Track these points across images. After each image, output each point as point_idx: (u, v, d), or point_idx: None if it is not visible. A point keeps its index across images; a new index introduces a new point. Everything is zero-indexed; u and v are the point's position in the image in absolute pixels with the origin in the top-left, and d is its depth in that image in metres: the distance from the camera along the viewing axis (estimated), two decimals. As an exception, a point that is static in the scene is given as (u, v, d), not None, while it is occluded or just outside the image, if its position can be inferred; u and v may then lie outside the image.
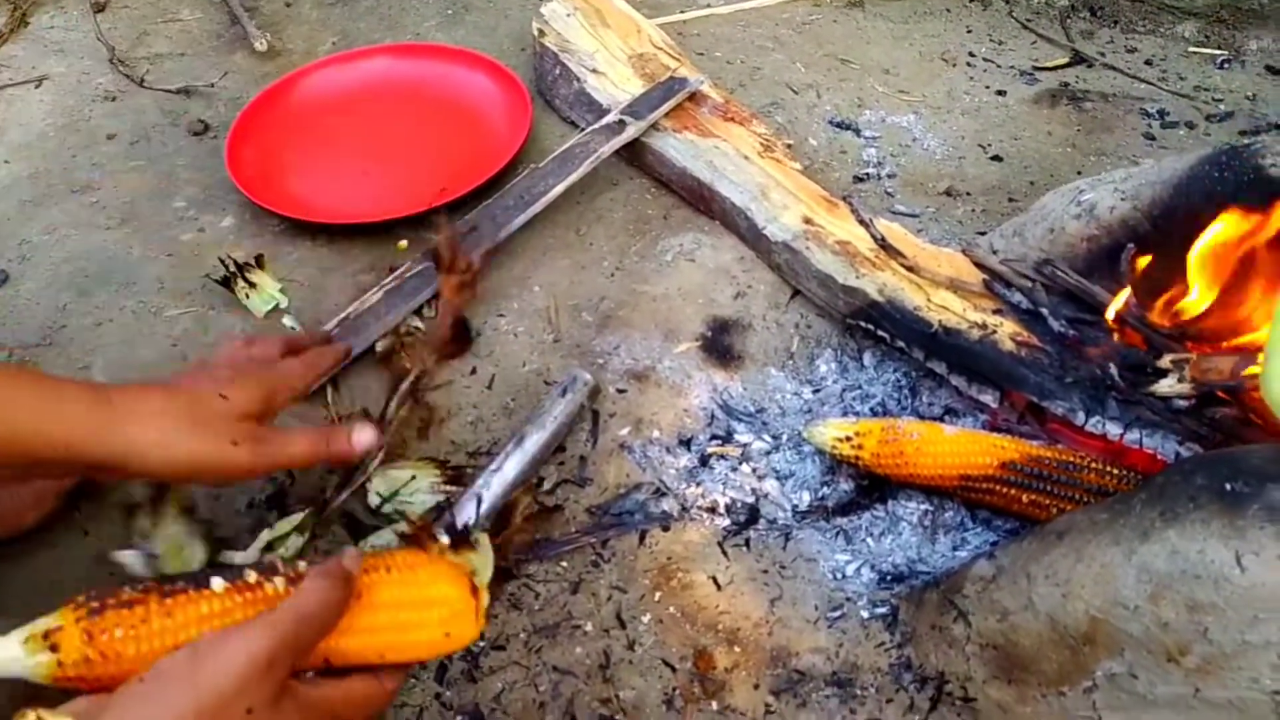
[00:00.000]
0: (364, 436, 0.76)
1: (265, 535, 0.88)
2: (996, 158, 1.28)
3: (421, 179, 1.22)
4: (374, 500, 0.92)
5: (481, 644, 0.84)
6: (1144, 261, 0.89)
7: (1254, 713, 0.65)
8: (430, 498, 0.93)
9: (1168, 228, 0.89)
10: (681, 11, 1.54)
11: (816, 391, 1.03)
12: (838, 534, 0.91)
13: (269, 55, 1.50)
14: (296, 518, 0.89)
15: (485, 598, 0.67)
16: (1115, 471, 0.85)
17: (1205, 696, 0.67)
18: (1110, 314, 0.92)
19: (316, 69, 1.38)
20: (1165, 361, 0.86)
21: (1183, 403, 0.85)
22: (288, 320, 1.10)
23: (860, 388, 1.03)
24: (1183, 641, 0.66)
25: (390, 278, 1.09)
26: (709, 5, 1.56)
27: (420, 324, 1.07)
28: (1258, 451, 0.67)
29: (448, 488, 0.94)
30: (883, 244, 1.01)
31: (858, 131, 1.32)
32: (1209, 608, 0.64)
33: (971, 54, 1.45)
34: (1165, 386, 0.86)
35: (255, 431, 0.70)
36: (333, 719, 0.58)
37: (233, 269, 1.10)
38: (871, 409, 1.01)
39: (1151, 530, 0.67)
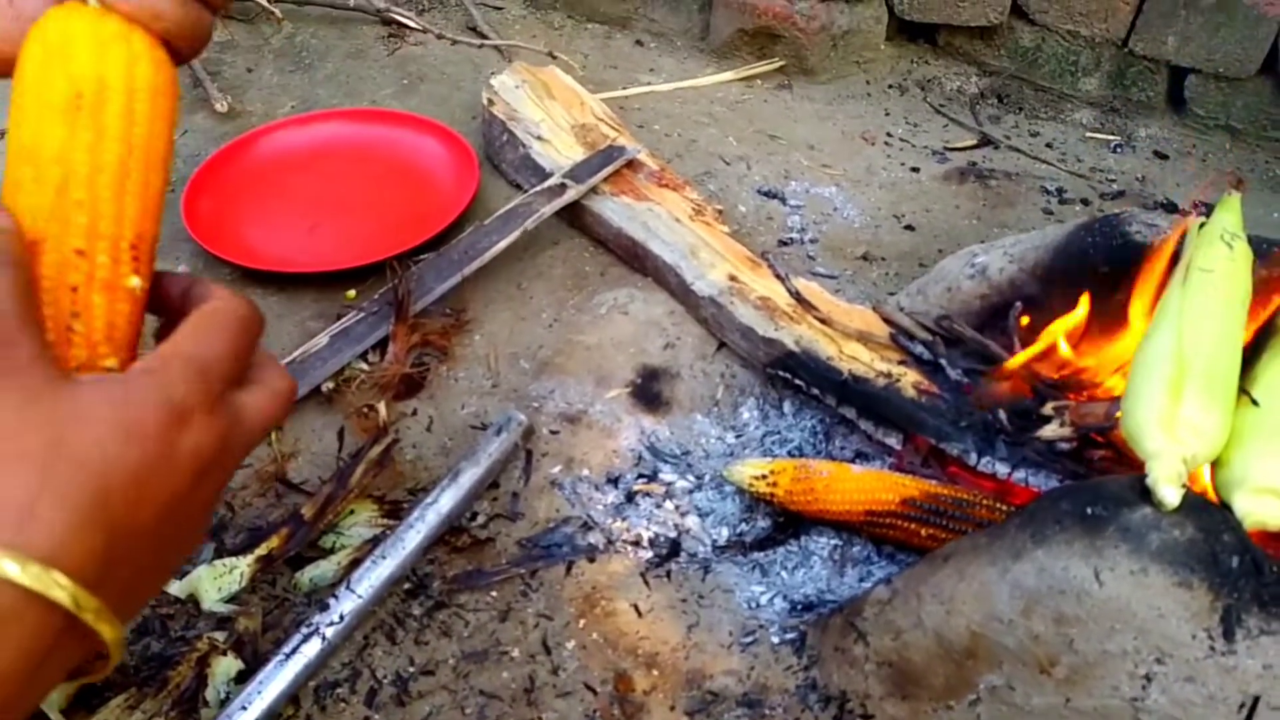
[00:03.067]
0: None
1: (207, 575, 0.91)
2: (909, 227, 1.38)
3: (371, 233, 1.29)
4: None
5: (411, 669, 0.88)
6: (1026, 320, 0.98)
7: (1116, 719, 0.72)
8: (368, 531, 0.97)
9: (1049, 287, 0.99)
10: (624, 88, 1.64)
11: (739, 436, 1.10)
12: (754, 567, 0.97)
13: (229, 116, 1.57)
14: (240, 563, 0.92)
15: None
16: (1003, 508, 0.92)
17: (1075, 706, 0.73)
18: (1010, 367, 1.01)
19: (274, 129, 1.45)
20: (1048, 408, 0.95)
21: (1064, 445, 0.94)
22: (236, 363, 1.14)
23: (780, 433, 1.10)
24: (1052, 653, 0.72)
25: (338, 324, 1.15)
26: (650, 83, 1.67)
27: (366, 367, 1.12)
28: (1116, 480, 0.75)
29: (385, 521, 0.98)
30: (798, 298, 1.09)
31: (784, 200, 1.42)
32: (1073, 620, 0.71)
33: (889, 134, 1.58)
34: (1049, 431, 0.94)
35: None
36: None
37: (184, 313, 1.14)
38: (789, 452, 1.08)
39: (1023, 551, 0.74)
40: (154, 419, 0.38)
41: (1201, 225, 0.91)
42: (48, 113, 0.44)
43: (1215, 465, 0.77)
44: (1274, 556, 0.74)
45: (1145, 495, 0.71)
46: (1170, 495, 0.70)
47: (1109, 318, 0.95)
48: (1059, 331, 0.92)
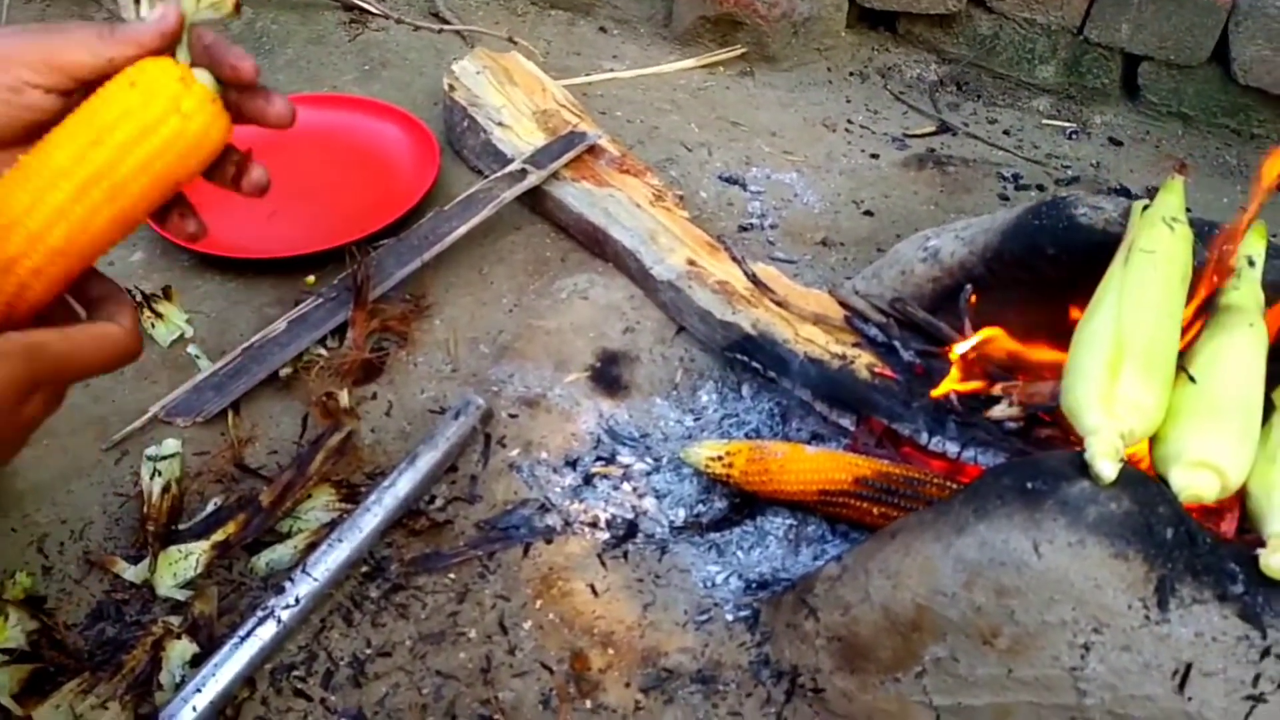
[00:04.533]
0: (157, 13, 0.59)
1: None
2: (868, 213, 1.40)
3: (331, 220, 1.28)
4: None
5: (368, 651, 0.88)
6: (975, 299, 1.00)
7: (1057, 689, 0.74)
8: (325, 515, 0.98)
9: (998, 269, 1.01)
10: (587, 75, 1.64)
11: (697, 419, 1.11)
12: (710, 547, 0.98)
13: (187, 102, 1.55)
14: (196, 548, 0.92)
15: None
16: (953, 486, 0.94)
17: (1017, 676, 0.75)
18: (959, 352, 1.03)
19: (233, 115, 1.44)
20: (997, 388, 0.97)
21: (1012, 424, 0.95)
22: (192, 349, 1.13)
23: (738, 416, 1.11)
24: (994, 624, 0.74)
25: (296, 310, 1.14)
26: (612, 70, 1.67)
27: (325, 352, 1.12)
28: (1056, 456, 0.77)
29: (342, 505, 0.98)
30: (755, 281, 1.11)
31: (744, 186, 1.43)
32: (1013, 591, 0.73)
33: (850, 121, 1.59)
34: (997, 411, 0.96)
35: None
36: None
37: (139, 300, 1.14)
38: (747, 434, 1.09)
39: (966, 525, 0.75)
40: None
41: (1145, 208, 0.93)
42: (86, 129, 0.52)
43: (1154, 441, 0.79)
44: (1208, 528, 0.77)
45: (1083, 470, 0.73)
46: (1107, 470, 0.71)
47: (1055, 298, 0.97)
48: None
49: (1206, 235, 0.97)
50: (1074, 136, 1.58)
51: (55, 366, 0.51)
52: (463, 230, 1.23)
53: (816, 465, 0.96)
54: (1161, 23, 1.49)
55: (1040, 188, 1.46)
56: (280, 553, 0.94)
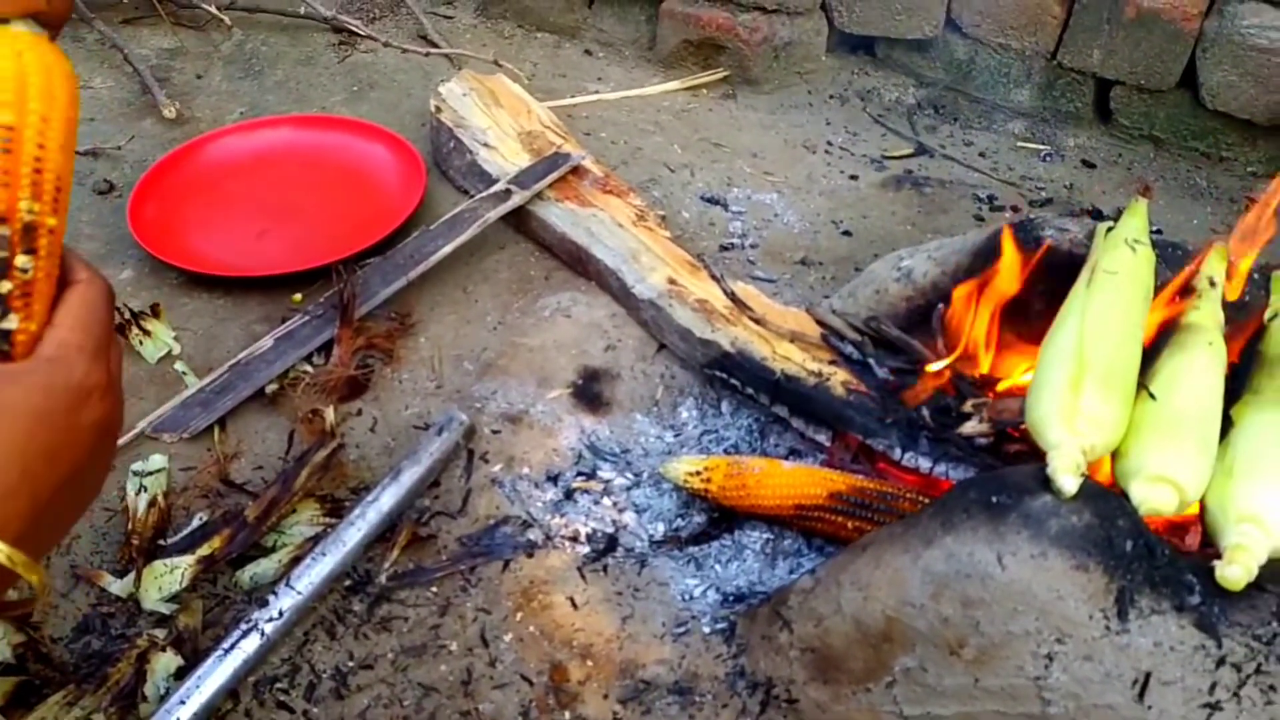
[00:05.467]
0: None
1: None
2: (847, 233, 1.43)
3: (317, 239, 1.31)
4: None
5: (351, 663, 0.90)
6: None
7: (1023, 698, 0.76)
8: (309, 529, 0.99)
9: (968, 289, 1.03)
10: (572, 97, 1.67)
11: (677, 435, 1.13)
12: (689, 561, 1.00)
13: (177, 122, 1.57)
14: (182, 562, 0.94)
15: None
16: (925, 500, 0.96)
17: (983, 685, 0.77)
18: (934, 369, 1.05)
19: (221, 135, 1.46)
20: (968, 405, 0.99)
21: (983, 440, 0.98)
22: (179, 366, 1.15)
23: (717, 432, 1.13)
24: (961, 635, 0.76)
25: (282, 327, 1.16)
26: (598, 92, 1.70)
27: (310, 369, 1.14)
28: (1020, 470, 0.80)
29: (326, 520, 1.00)
30: (733, 298, 1.13)
31: (726, 206, 1.46)
32: (979, 603, 0.75)
33: (830, 143, 1.62)
34: (968, 427, 0.98)
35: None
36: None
37: (128, 316, 1.15)
38: (726, 450, 1.11)
39: (934, 538, 0.78)
40: (62, 404, 0.46)
41: (1109, 230, 0.96)
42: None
43: (1115, 455, 0.81)
44: (1171, 542, 0.79)
45: (1046, 484, 0.75)
46: (1068, 484, 0.74)
47: (1025, 317, 1.00)
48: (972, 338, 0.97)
49: (1171, 256, 1.00)
50: (1048, 159, 1.62)
51: (75, 364, 0.49)
52: (448, 249, 1.25)
53: (792, 480, 0.98)
54: (1132, 49, 1.53)
55: (1015, 209, 1.49)
56: (264, 567, 0.95)
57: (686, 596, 0.96)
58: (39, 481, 0.45)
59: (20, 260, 0.49)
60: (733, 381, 1.10)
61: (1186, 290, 0.95)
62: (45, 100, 0.50)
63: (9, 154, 0.49)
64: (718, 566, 1.00)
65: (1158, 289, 0.94)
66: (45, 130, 0.50)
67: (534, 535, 1.00)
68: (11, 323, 0.49)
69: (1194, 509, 0.80)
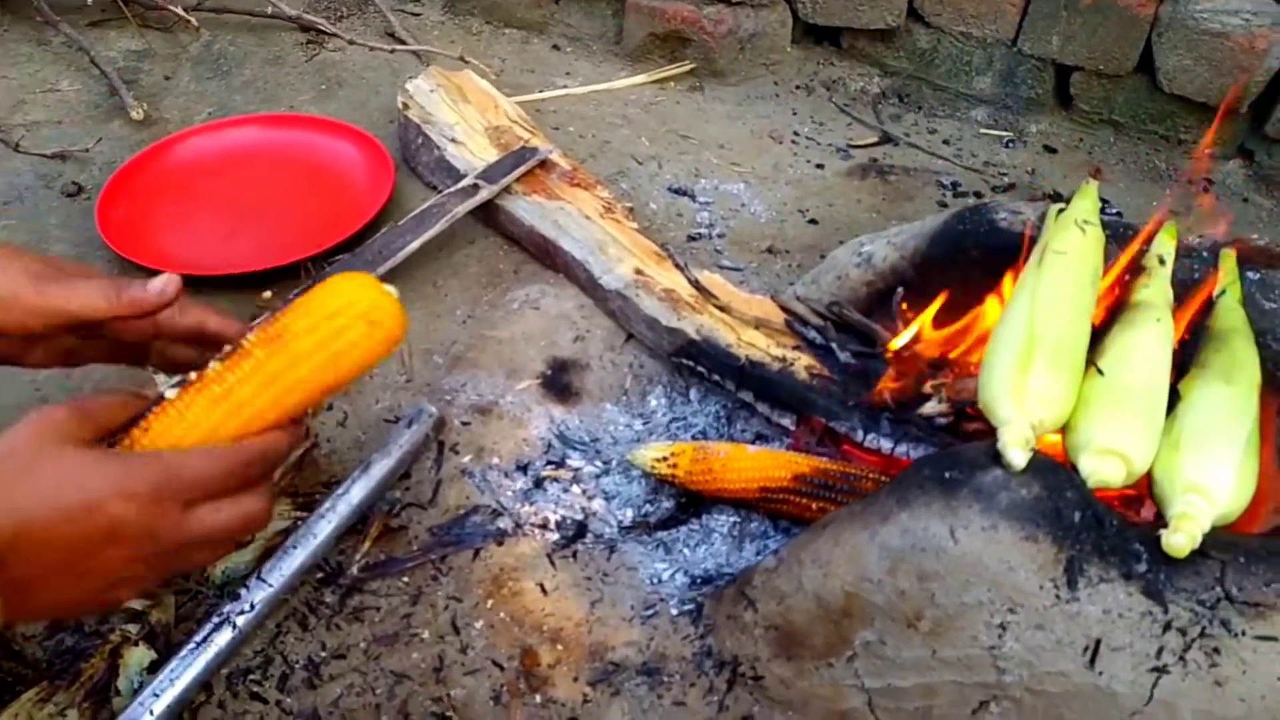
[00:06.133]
0: (158, 283, 0.70)
1: None
2: (813, 221, 1.45)
3: (286, 237, 1.31)
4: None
5: (323, 654, 0.91)
6: (906, 305, 1.05)
7: (978, 668, 0.78)
8: (281, 523, 1.00)
9: (927, 272, 1.05)
10: (540, 91, 1.68)
11: (646, 423, 1.14)
12: (658, 545, 1.02)
13: (145, 124, 1.57)
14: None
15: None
16: (886, 480, 0.98)
17: (940, 656, 0.79)
18: (893, 348, 1.07)
19: (189, 135, 1.46)
20: (927, 386, 1.01)
21: (942, 420, 1.00)
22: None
23: (685, 419, 1.15)
24: (917, 608, 0.78)
25: (252, 325, 1.17)
26: (565, 86, 1.71)
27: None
28: (973, 447, 0.82)
29: (298, 514, 1.01)
30: (697, 286, 1.15)
31: (693, 197, 1.48)
32: (933, 576, 0.77)
33: (796, 133, 1.64)
34: (928, 407, 1.00)
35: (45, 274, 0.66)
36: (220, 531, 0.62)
37: (97, 317, 1.16)
38: (694, 436, 1.13)
39: (890, 514, 0.79)
40: (100, 486, 0.54)
41: (1060, 212, 0.98)
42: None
43: (1065, 430, 0.83)
44: (1118, 511, 0.81)
45: (997, 459, 0.77)
46: (1017, 458, 0.76)
47: (982, 299, 1.02)
48: (925, 320, 0.99)
49: (1124, 236, 1.02)
50: (1010, 145, 1.64)
51: (188, 538, 0.59)
52: (416, 245, 1.26)
53: (757, 464, 1.00)
54: (1089, 35, 1.55)
55: (978, 194, 1.51)
56: (236, 560, 0.96)
57: (655, 580, 0.98)
58: (33, 528, 0.52)
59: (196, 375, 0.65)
60: (699, 369, 1.12)
61: (1138, 269, 0.97)
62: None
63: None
64: (686, 550, 1.01)
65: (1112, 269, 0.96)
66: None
67: (504, 524, 1.01)
68: (170, 392, 0.62)
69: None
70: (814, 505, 0.98)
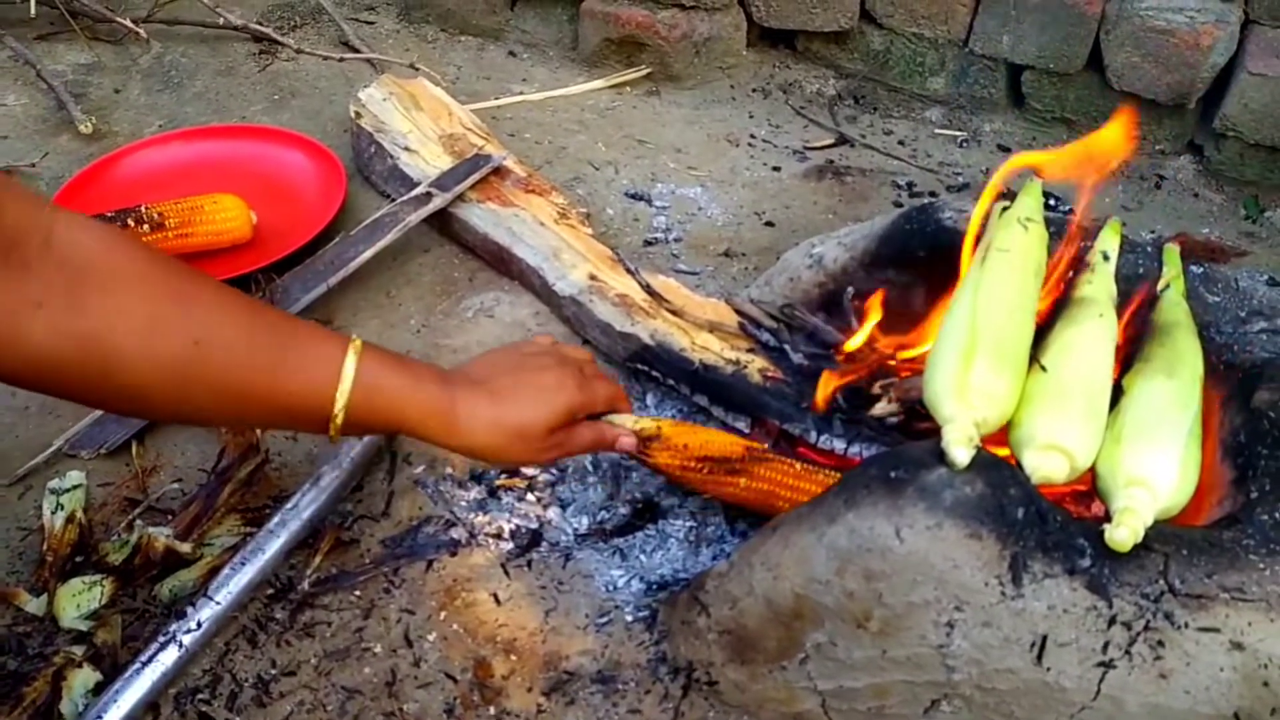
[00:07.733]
0: (628, 442, 0.90)
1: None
2: (769, 223, 1.45)
3: (238, 248, 1.29)
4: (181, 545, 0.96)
5: (273, 671, 0.89)
6: (858, 303, 1.05)
7: (928, 666, 0.78)
8: (230, 539, 0.99)
9: (876, 272, 1.06)
10: (496, 98, 1.68)
11: (602, 429, 1.14)
12: (614, 552, 1.01)
13: (94, 138, 1.55)
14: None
15: None
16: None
17: (890, 656, 0.79)
18: (846, 349, 1.07)
19: (139, 148, 1.45)
20: (877, 387, 1.01)
21: (893, 419, 1.00)
22: (97, 382, 1.14)
23: (641, 424, 1.14)
24: (866, 608, 0.78)
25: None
26: (521, 93, 1.70)
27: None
28: (918, 446, 0.82)
29: (247, 530, 0.99)
30: (649, 290, 1.14)
31: (650, 202, 1.47)
32: (880, 575, 0.77)
33: (753, 136, 1.64)
34: (879, 408, 1.01)
35: (558, 438, 0.84)
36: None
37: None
38: (650, 442, 1.12)
39: (837, 515, 0.79)
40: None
41: (1004, 210, 0.99)
42: None
43: (1009, 427, 0.84)
44: (1064, 507, 0.82)
45: (942, 457, 0.77)
46: (961, 455, 0.76)
47: (928, 298, 1.02)
48: (872, 320, 0.99)
49: (1063, 226, 1.03)
50: (965, 145, 1.65)
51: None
52: (368, 254, 1.25)
53: (710, 436, 0.98)
54: (1039, 34, 1.57)
55: (934, 194, 1.52)
56: (184, 578, 0.95)
57: (610, 587, 0.97)
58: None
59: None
60: (654, 373, 1.11)
61: (1082, 265, 0.98)
62: None
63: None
64: (642, 556, 1.01)
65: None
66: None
67: (457, 534, 1.00)
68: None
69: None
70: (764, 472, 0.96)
